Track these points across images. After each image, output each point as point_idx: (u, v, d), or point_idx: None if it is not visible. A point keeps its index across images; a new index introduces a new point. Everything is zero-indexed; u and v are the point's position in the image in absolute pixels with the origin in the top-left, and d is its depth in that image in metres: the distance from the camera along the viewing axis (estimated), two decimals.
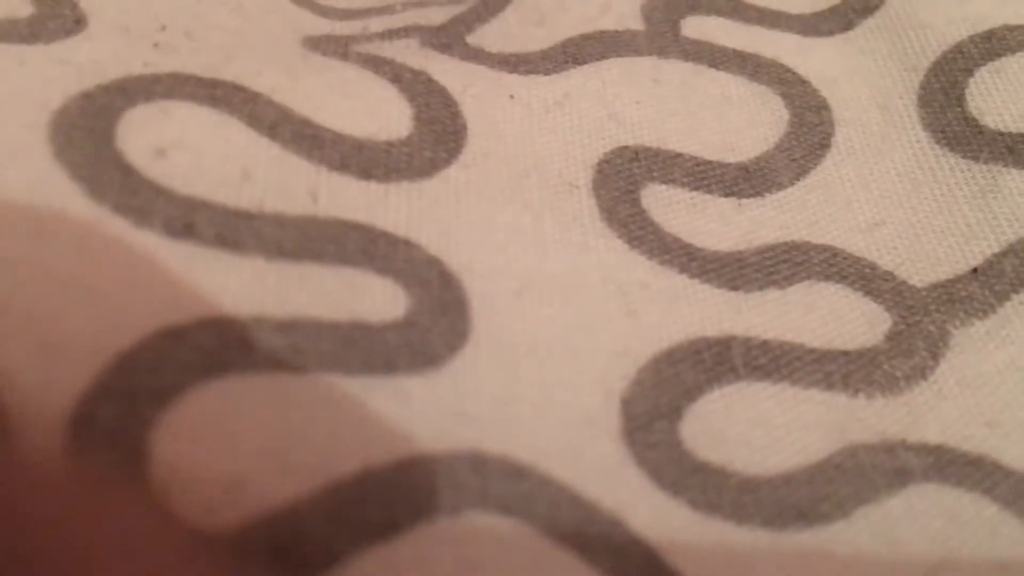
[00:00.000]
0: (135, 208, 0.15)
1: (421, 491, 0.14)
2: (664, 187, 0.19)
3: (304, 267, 0.15)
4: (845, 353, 0.17)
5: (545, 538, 0.14)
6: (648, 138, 0.19)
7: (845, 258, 0.18)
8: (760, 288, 0.17)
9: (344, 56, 0.19)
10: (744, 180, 0.19)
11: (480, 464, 0.14)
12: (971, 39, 0.21)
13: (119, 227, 0.15)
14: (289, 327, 0.15)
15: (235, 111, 0.17)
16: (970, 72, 0.20)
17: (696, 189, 0.19)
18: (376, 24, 0.20)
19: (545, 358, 0.16)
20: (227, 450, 0.13)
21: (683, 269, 0.17)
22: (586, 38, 0.20)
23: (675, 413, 0.16)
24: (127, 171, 0.15)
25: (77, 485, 0.12)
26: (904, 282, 0.18)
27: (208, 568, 0.12)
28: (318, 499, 0.13)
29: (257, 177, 0.16)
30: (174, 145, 0.16)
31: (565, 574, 0.14)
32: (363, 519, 0.13)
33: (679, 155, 0.19)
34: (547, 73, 0.20)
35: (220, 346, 0.14)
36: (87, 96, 0.16)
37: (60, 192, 0.15)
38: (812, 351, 0.17)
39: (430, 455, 0.14)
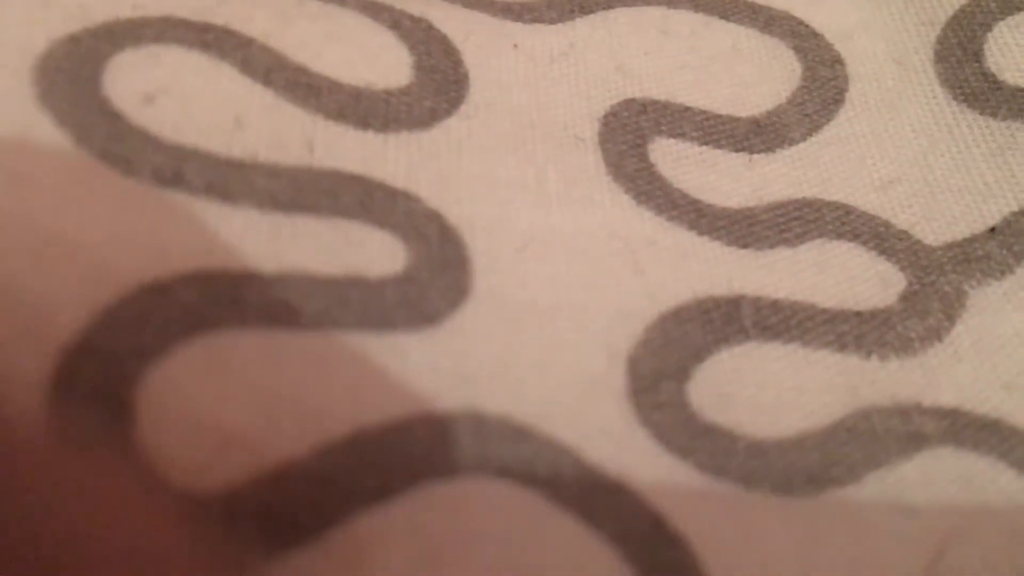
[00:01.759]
0: (122, 156, 0.15)
1: (416, 453, 0.13)
2: (673, 141, 0.18)
3: (298, 219, 0.15)
4: (858, 313, 0.17)
5: (546, 502, 0.14)
6: (656, 91, 0.19)
7: (858, 216, 0.18)
8: (771, 246, 0.17)
9: (342, 1, 0.18)
10: (755, 135, 0.19)
11: (479, 425, 0.14)
12: None
13: (105, 176, 0.14)
14: (282, 281, 0.14)
15: (227, 56, 0.16)
16: (989, 27, 0.20)
17: (706, 144, 0.19)
18: None
19: (548, 316, 0.15)
20: (215, 409, 0.13)
21: (692, 226, 0.17)
22: None
23: (683, 374, 0.15)
24: (114, 117, 0.15)
25: (59, 446, 0.12)
26: (919, 241, 0.18)
27: (195, 531, 0.12)
28: (309, 460, 0.13)
29: (250, 125, 0.16)
30: (163, 91, 0.16)
31: (567, 539, 0.13)
32: (356, 482, 0.13)
33: (688, 108, 0.19)
34: (552, 22, 0.20)
35: (209, 301, 0.14)
36: (73, 39, 0.16)
37: (43, 139, 0.15)
38: (824, 311, 0.17)
39: (427, 416, 0.14)
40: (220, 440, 0.13)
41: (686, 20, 0.20)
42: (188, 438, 0.13)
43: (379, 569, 0.13)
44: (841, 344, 0.16)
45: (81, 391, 0.13)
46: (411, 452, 0.13)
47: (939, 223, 0.18)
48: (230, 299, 0.14)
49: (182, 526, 0.12)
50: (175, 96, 0.16)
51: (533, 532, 0.13)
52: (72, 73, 0.15)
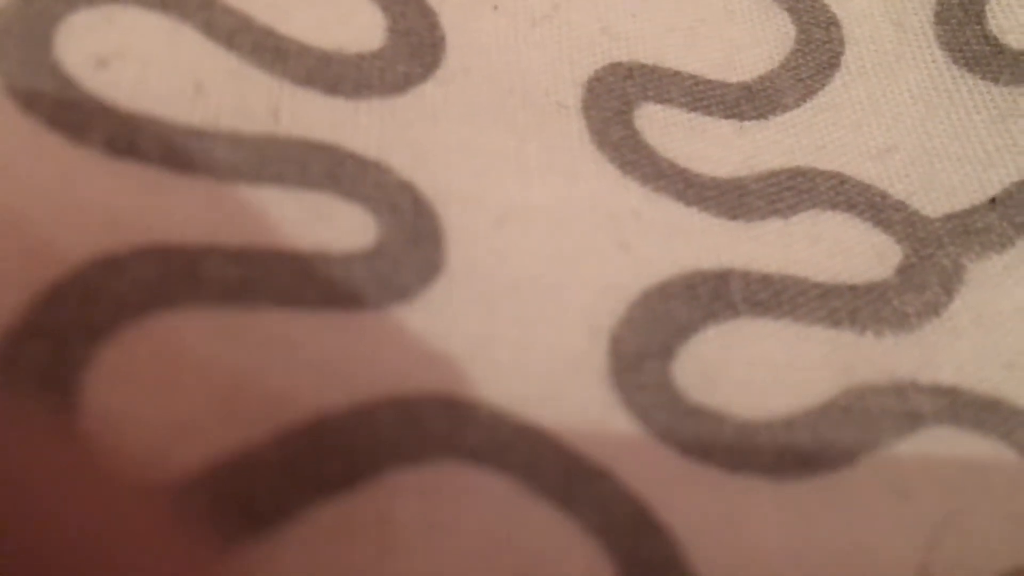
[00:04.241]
0: (73, 123, 0.14)
1: (384, 439, 0.13)
2: (660, 107, 0.18)
3: (262, 191, 0.15)
4: (852, 288, 0.16)
5: (523, 491, 0.13)
6: (643, 54, 0.19)
7: (854, 186, 0.18)
8: (762, 217, 0.17)
9: None
10: (747, 101, 0.19)
11: (451, 409, 0.14)
12: None
13: (54, 144, 0.14)
14: (242, 257, 0.14)
15: (188, 18, 0.16)
16: None
17: (695, 110, 0.18)
18: None
19: (526, 293, 0.15)
20: (169, 393, 0.13)
21: (679, 197, 0.17)
22: None
23: (667, 352, 0.15)
24: (65, 82, 0.15)
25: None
26: (916, 212, 0.18)
27: (145, 524, 0.11)
28: (269, 447, 0.13)
29: (211, 91, 0.15)
30: (118, 54, 0.15)
31: (544, 530, 0.13)
32: (319, 470, 0.13)
33: (677, 73, 0.19)
34: None
35: (163, 277, 0.13)
36: None
37: None
38: (817, 285, 0.16)
39: (395, 399, 0.13)
40: (173, 426, 0.12)
41: None
42: (138, 424, 0.12)
43: (343, 562, 0.12)
44: (835, 320, 0.16)
45: (24, 373, 0.12)
46: (378, 437, 0.13)
47: (937, 193, 0.18)
48: (186, 275, 0.13)
49: (132, 519, 0.11)
50: (131, 60, 0.15)
51: (508, 521, 0.13)
52: (22, 34, 0.15)
